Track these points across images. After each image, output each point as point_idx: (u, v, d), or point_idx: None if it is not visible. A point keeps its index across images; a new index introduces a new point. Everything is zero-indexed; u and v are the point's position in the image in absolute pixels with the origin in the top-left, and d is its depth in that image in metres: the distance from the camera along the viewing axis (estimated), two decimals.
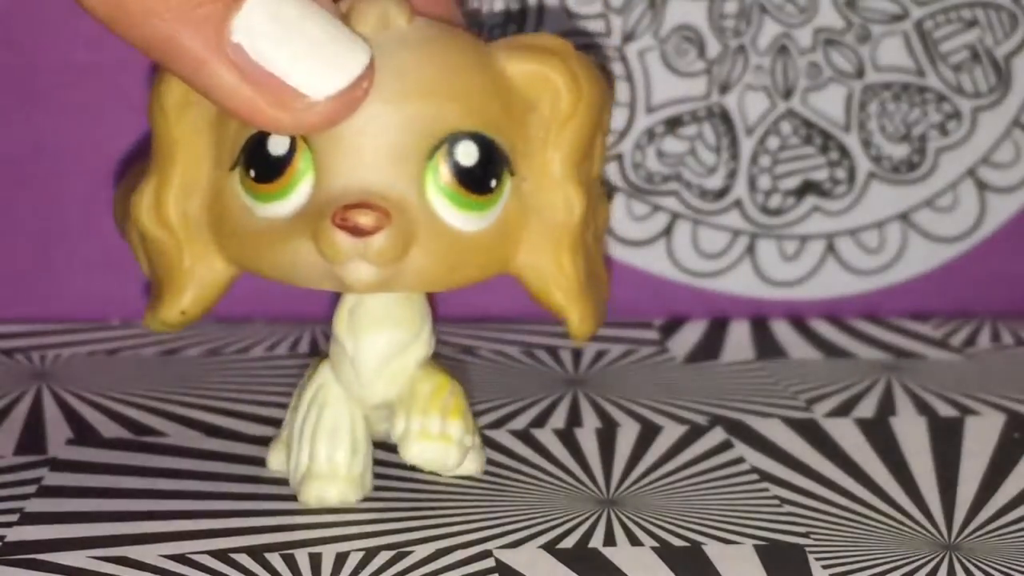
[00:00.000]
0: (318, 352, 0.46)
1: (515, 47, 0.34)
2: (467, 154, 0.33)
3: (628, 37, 0.49)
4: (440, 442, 0.34)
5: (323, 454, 0.35)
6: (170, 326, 0.35)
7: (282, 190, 0.33)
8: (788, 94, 0.49)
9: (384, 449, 0.37)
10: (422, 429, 0.34)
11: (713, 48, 0.49)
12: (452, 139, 0.33)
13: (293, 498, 0.36)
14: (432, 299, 0.36)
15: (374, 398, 0.35)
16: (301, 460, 0.35)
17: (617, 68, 0.49)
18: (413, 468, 0.36)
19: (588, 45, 0.49)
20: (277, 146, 0.33)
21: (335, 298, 0.38)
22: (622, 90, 0.49)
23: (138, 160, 0.37)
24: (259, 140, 0.33)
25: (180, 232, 0.34)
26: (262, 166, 0.33)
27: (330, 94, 0.31)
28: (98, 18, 0.31)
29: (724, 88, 0.49)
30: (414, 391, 0.35)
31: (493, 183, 0.33)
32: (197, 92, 0.32)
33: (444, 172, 0.33)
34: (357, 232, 0.32)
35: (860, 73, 0.49)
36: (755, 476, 0.38)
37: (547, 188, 0.35)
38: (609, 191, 0.37)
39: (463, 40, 0.34)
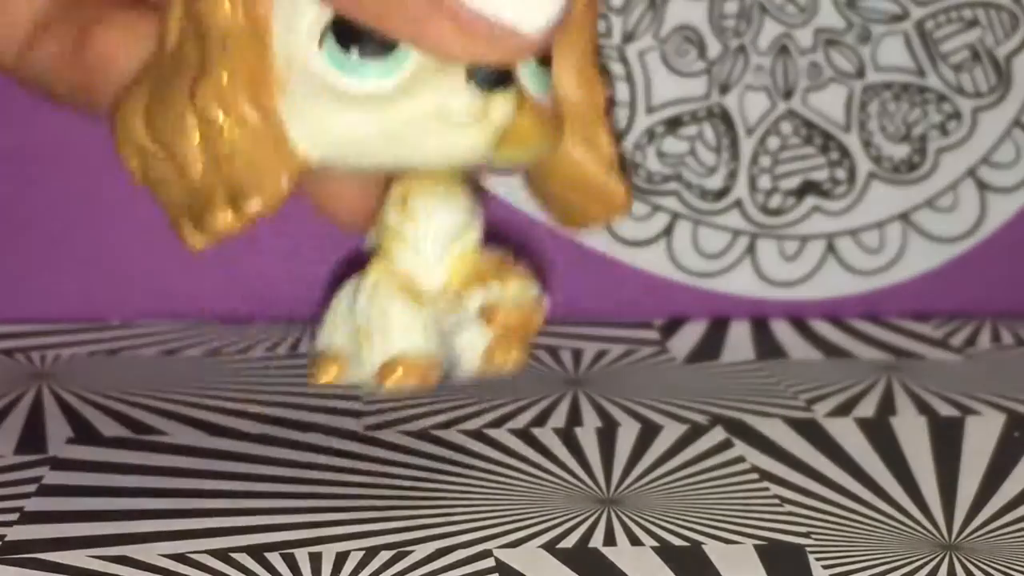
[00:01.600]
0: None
1: None
2: None
3: (628, 37, 0.49)
4: (522, 307, 0.35)
5: (399, 341, 0.34)
6: (233, 228, 0.33)
7: (396, 60, 0.32)
8: (788, 94, 0.49)
9: (385, 448, 0.37)
10: (503, 294, 0.34)
11: (713, 48, 0.49)
12: None
13: (293, 497, 0.36)
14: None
15: (440, 280, 0.35)
16: (376, 350, 0.34)
17: (617, 68, 0.49)
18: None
19: None
20: None
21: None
22: (622, 90, 0.49)
23: (145, 73, 0.34)
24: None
25: (261, 121, 0.32)
26: (368, 39, 0.32)
27: (542, 27, 0.31)
28: None
29: (724, 88, 0.49)
30: (481, 266, 0.35)
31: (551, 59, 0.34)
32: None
33: None
34: (489, 86, 0.32)
35: (860, 73, 0.49)
36: (755, 476, 0.38)
37: (567, 75, 0.35)
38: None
39: None
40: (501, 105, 0.32)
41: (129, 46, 0.34)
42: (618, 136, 0.34)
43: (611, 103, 0.35)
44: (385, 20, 0.31)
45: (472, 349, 0.35)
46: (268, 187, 0.32)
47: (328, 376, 0.36)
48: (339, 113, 0.32)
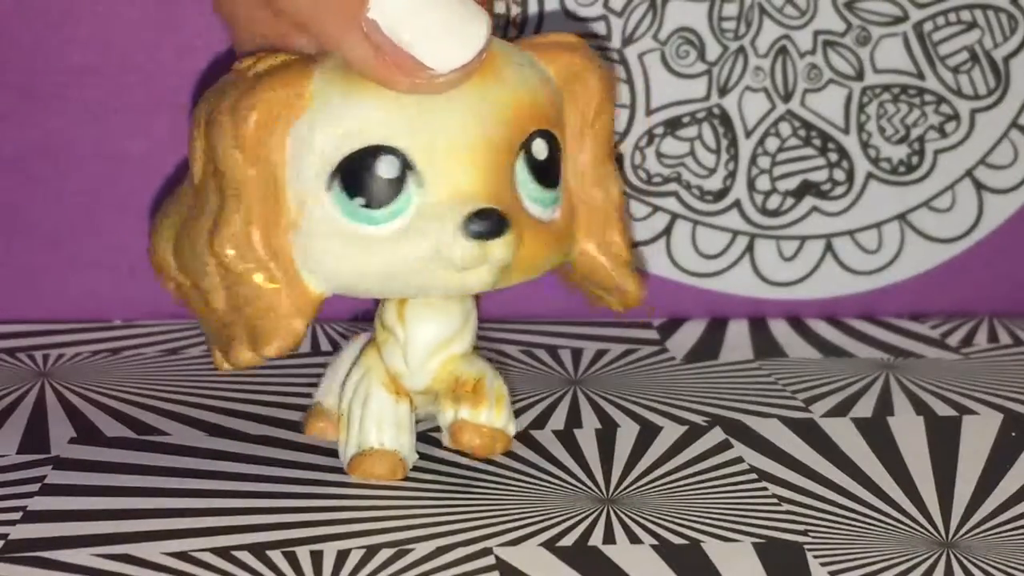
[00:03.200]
0: (319, 352, 0.46)
1: (543, 46, 0.36)
2: (540, 150, 0.35)
3: (628, 39, 0.49)
4: (488, 432, 0.37)
5: (372, 436, 0.37)
6: (280, 354, 0.35)
7: (394, 210, 0.34)
8: (788, 97, 0.49)
9: None
10: (471, 419, 0.37)
11: (713, 50, 0.49)
12: (530, 137, 0.35)
13: (294, 496, 0.36)
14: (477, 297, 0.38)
15: (422, 384, 0.37)
16: (351, 441, 0.37)
17: (618, 70, 0.49)
18: (461, 453, 0.38)
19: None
20: (388, 169, 0.34)
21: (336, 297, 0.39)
22: (622, 92, 0.49)
23: (170, 205, 0.37)
24: (362, 164, 0.34)
25: (276, 268, 0.34)
26: (372, 190, 0.34)
27: (454, 68, 0.33)
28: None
29: (724, 90, 0.49)
30: (460, 381, 0.37)
31: (559, 176, 0.36)
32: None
33: (525, 168, 0.35)
34: (484, 237, 0.33)
35: (860, 75, 0.49)
36: (754, 475, 0.38)
37: (586, 175, 0.37)
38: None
39: (499, 46, 0.35)
40: (500, 249, 0.34)
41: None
42: (632, 240, 0.37)
43: (624, 198, 0.37)
44: (313, 28, 0.34)
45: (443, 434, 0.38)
46: (284, 332, 0.35)
47: (312, 431, 0.39)
48: (345, 254, 0.34)
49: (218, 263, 0.34)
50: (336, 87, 0.34)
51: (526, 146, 0.35)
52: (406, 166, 0.34)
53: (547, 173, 0.35)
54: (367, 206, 0.34)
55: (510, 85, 0.35)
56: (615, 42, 0.49)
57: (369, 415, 0.37)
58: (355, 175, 0.34)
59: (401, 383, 0.37)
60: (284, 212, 0.34)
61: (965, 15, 0.50)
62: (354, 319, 0.49)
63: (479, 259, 0.34)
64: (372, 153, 0.34)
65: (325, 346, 0.47)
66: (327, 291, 0.35)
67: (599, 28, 0.49)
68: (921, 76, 0.50)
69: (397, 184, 0.34)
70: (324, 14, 0.33)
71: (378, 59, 0.33)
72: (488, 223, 0.33)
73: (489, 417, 0.37)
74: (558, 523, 0.35)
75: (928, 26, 0.49)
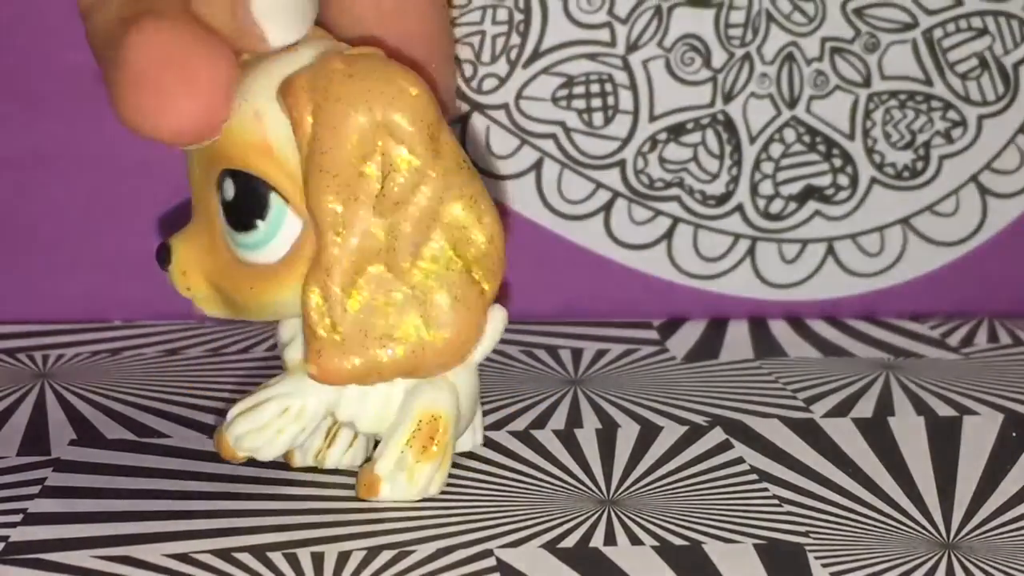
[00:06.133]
0: None
1: (287, 79, 0.34)
2: (227, 190, 0.34)
3: (633, 46, 0.49)
4: (407, 485, 0.36)
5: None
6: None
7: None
8: (794, 103, 0.49)
9: None
10: (394, 470, 0.36)
11: (719, 58, 0.49)
12: (221, 176, 0.34)
13: (295, 498, 0.36)
14: None
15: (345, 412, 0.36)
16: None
17: (621, 77, 0.49)
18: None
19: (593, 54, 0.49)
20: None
21: None
22: (625, 98, 0.49)
23: None
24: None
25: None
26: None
27: (283, 44, 0.34)
28: None
29: (728, 97, 0.49)
30: (397, 423, 0.36)
31: (258, 221, 0.34)
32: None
33: (219, 207, 0.35)
34: (161, 265, 0.36)
35: (867, 82, 0.49)
36: (754, 476, 0.38)
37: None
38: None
39: (269, 66, 0.34)
40: (170, 280, 0.36)
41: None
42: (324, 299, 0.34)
43: (325, 249, 0.34)
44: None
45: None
46: None
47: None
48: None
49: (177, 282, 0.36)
50: None
51: (220, 183, 0.34)
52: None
53: (236, 215, 0.34)
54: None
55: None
56: (619, 49, 0.48)
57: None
58: (233, 200, 0.35)
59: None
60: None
61: (976, 22, 0.49)
62: None
63: (177, 284, 0.35)
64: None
65: None
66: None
67: (603, 36, 0.48)
68: (929, 82, 0.49)
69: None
70: None
71: (233, 22, 0.34)
72: (157, 253, 0.35)
73: (412, 472, 0.36)
74: (559, 524, 0.35)
75: (938, 32, 0.49)
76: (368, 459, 0.37)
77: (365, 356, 0.34)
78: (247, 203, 0.34)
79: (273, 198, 0.34)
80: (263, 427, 0.35)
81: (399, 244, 0.34)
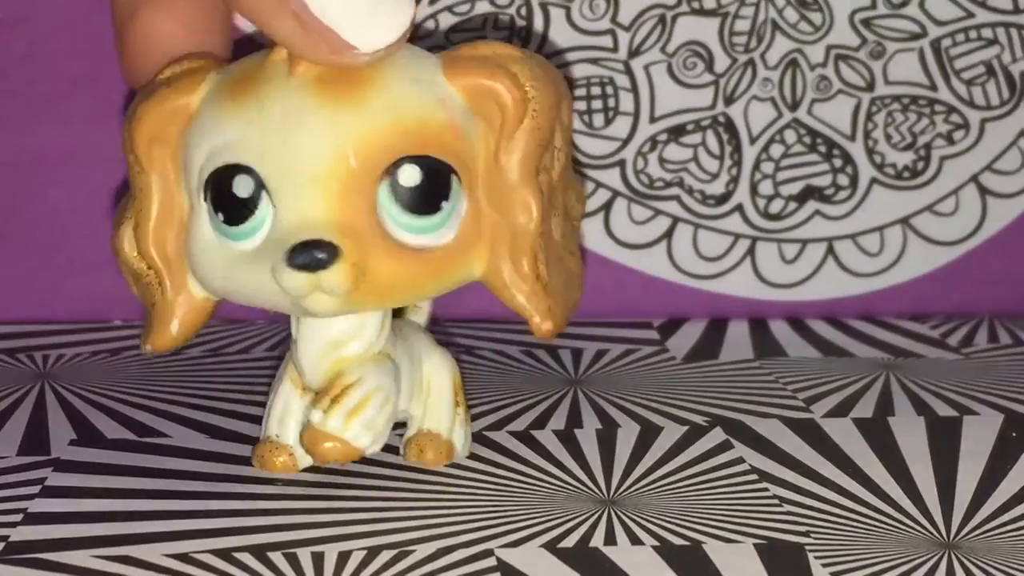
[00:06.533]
0: None
1: (453, 60, 0.35)
2: (409, 176, 0.34)
3: (635, 52, 0.48)
4: (327, 438, 0.35)
5: (273, 427, 0.37)
6: (161, 351, 0.37)
7: (249, 229, 0.34)
8: (795, 106, 0.49)
9: (386, 450, 0.38)
10: (319, 424, 0.35)
11: (722, 63, 0.49)
12: (396, 164, 0.34)
13: (295, 498, 0.36)
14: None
15: (315, 383, 0.36)
16: (261, 434, 0.38)
17: (623, 80, 0.49)
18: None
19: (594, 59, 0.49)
20: (242, 188, 0.34)
21: None
22: (626, 100, 0.49)
23: (123, 196, 0.38)
24: (222, 182, 0.34)
25: (160, 264, 0.36)
26: (229, 208, 0.34)
27: (377, 48, 0.34)
28: None
29: (730, 100, 0.49)
30: (333, 385, 0.36)
31: (443, 203, 0.34)
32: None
33: (389, 194, 0.34)
34: (309, 269, 0.33)
35: (871, 86, 0.49)
36: (755, 476, 0.38)
37: (504, 196, 0.35)
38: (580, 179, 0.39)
39: (403, 61, 0.35)
40: (328, 281, 0.33)
41: (168, 31, 0.37)
42: (544, 272, 0.35)
43: (544, 224, 0.36)
44: (243, 9, 0.34)
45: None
46: (161, 332, 0.36)
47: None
48: (213, 264, 0.35)
49: (122, 262, 0.36)
50: (213, 104, 0.35)
51: (392, 171, 0.34)
52: (261, 186, 0.34)
53: (419, 199, 0.34)
54: (226, 222, 0.35)
55: (377, 109, 0.34)
56: (621, 54, 0.48)
57: (274, 405, 0.37)
58: (218, 191, 0.35)
59: (303, 379, 0.37)
60: (177, 216, 0.36)
61: (987, 32, 0.49)
62: None
63: (308, 288, 0.33)
64: (229, 172, 0.34)
65: None
66: (210, 296, 0.36)
67: (606, 42, 0.48)
68: (934, 87, 0.49)
69: (252, 203, 0.34)
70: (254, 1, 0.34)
71: (306, 37, 0.34)
72: (306, 256, 0.33)
73: (336, 425, 0.35)
74: (559, 524, 0.35)
75: (946, 42, 0.49)
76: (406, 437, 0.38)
77: (568, 303, 0.37)
78: (434, 186, 0.34)
79: (454, 180, 0.35)
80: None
81: (556, 205, 0.37)
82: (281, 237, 0.34)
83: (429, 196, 0.34)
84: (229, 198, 0.34)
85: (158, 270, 0.36)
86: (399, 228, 0.34)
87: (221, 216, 0.34)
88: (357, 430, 0.35)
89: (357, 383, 0.35)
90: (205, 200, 0.35)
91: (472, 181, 0.35)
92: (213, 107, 0.35)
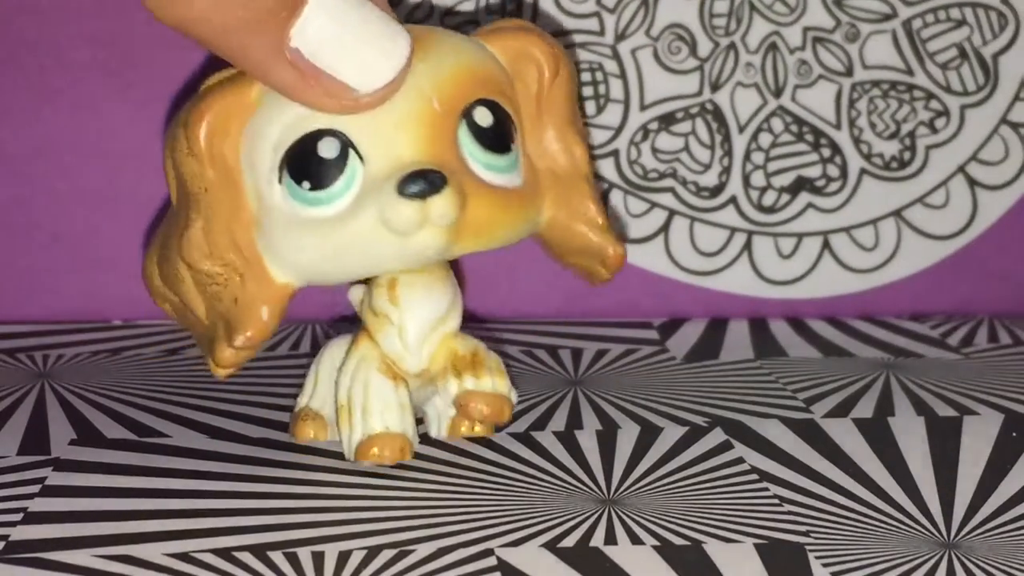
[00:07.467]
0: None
1: (491, 31, 0.38)
2: (482, 117, 0.36)
3: (621, 35, 0.49)
4: (495, 399, 0.38)
5: (377, 421, 0.37)
6: (255, 343, 0.36)
7: (339, 189, 0.35)
8: (779, 92, 0.49)
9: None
10: (477, 387, 0.38)
11: (705, 47, 0.49)
12: (471, 106, 0.36)
13: (295, 497, 0.36)
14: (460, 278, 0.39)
15: (418, 365, 0.38)
16: (355, 429, 0.37)
17: (611, 65, 0.49)
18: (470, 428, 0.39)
19: (581, 43, 0.49)
20: (328, 150, 0.35)
21: (335, 297, 0.39)
22: (616, 87, 0.49)
23: (161, 228, 0.38)
24: (307, 148, 0.35)
25: (235, 257, 0.36)
26: (316, 172, 0.35)
27: (376, 88, 0.35)
28: (181, 31, 0.34)
29: (716, 86, 0.49)
30: (458, 355, 0.38)
31: (511, 144, 0.37)
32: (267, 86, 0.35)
33: (468, 135, 0.36)
34: (422, 196, 0.34)
35: (849, 71, 0.50)
36: (755, 476, 0.38)
37: (547, 147, 0.38)
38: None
39: (447, 32, 0.37)
40: (440, 206, 0.35)
41: None
42: (604, 196, 0.39)
43: (591, 163, 0.39)
44: (239, 61, 0.35)
45: (440, 418, 0.39)
46: (252, 321, 0.36)
47: (303, 436, 0.39)
48: (302, 240, 0.36)
49: (187, 266, 0.36)
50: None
51: (467, 114, 0.36)
52: (347, 144, 0.35)
53: (494, 139, 0.36)
54: (314, 188, 0.35)
55: (447, 57, 0.36)
56: (608, 38, 0.49)
57: (371, 401, 0.37)
58: (300, 161, 0.35)
59: (398, 367, 0.38)
60: (245, 210, 0.36)
61: (955, 12, 0.50)
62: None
63: (419, 219, 0.35)
64: (313, 137, 0.35)
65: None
66: (293, 281, 0.36)
67: (592, 24, 0.49)
68: (910, 72, 0.50)
69: (340, 163, 0.35)
70: (249, 48, 0.34)
71: (305, 85, 0.35)
72: (422, 181, 0.34)
73: (494, 384, 0.38)
74: (559, 524, 0.35)
75: (917, 23, 0.50)
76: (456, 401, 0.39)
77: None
78: (504, 127, 0.37)
79: (515, 128, 0.37)
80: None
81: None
82: (377, 184, 0.35)
83: (499, 135, 0.36)
84: (315, 163, 0.35)
85: (236, 265, 0.36)
86: (480, 166, 0.36)
87: (307, 185, 0.35)
88: (508, 386, 0.38)
89: (479, 349, 0.38)
90: (281, 180, 0.36)
91: (522, 132, 0.38)
92: (275, 93, 0.36)
